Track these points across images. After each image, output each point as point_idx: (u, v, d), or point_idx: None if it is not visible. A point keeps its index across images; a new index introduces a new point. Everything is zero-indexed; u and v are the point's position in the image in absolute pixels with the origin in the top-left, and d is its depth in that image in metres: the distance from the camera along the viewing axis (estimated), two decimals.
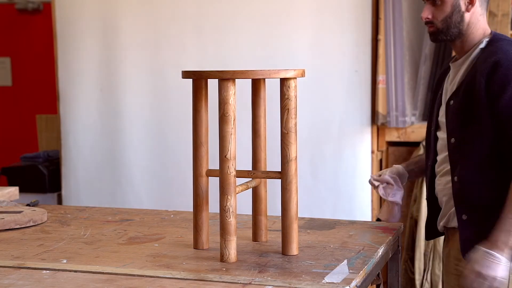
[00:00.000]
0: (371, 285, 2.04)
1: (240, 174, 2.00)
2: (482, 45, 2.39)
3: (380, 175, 2.50)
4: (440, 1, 2.41)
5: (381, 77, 3.84)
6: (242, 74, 1.88)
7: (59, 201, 4.45)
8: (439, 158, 2.42)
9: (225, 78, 1.88)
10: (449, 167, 2.34)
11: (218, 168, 1.94)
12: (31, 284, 1.76)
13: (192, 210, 2.10)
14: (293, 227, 1.96)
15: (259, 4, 3.97)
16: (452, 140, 2.34)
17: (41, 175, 4.50)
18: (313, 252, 2.00)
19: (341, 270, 1.81)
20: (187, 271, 1.83)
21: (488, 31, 2.44)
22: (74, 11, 4.22)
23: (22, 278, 1.81)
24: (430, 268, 3.86)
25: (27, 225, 2.39)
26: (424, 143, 3.39)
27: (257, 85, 2.08)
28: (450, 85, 2.45)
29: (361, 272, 1.81)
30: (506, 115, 2.21)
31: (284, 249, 1.98)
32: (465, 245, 2.23)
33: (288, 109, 1.93)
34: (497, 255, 2.08)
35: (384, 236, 2.18)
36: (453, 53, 2.64)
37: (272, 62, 3.89)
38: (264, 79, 2.07)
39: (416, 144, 3.95)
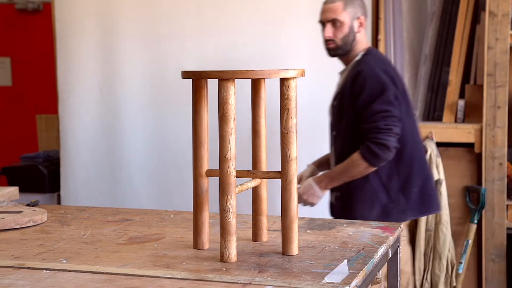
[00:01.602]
0: (371, 285, 2.04)
1: (240, 174, 2.00)
2: (358, 58, 3.05)
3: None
4: (339, 22, 3.02)
5: None
6: (242, 74, 1.88)
7: (59, 201, 4.45)
8: (331, 149, 3.16)
9: (225, 78, 1.88)
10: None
11: (218, 168, 1.94)
12: (31, 284, 1.76)
13: (192, 210, 2.10)
14: (293, 227, 1.96)
15: (259, 4, 3.97)
16: (334, 133, 3.09)
17: (41, 175, 4.50)
18: (313, 252, 2.00)
19: (341, 270, 1.81)
20: (187, 271, 1.83)
21: (367, 46, 3.10)
22: (74, 11, 4.22)
23: (22, 278, 1.81)
24: (430, 268, 3.87)
25: (27, 225, 2.39)
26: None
27: (257, 85, 2.08)
28: (335, 90, 3.13)
29: (361, 272, 1.81)
30: (358, 114, 2.93)
31: (284, 249, 1.98)
32: (336, 216, 3.11)
33: (288, 109, 1.93)
34: (318, 190, 3.02)
35: (384, 236, 2.18)
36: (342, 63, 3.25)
37: (272, 62, 3.89)
38: (264, 79, 2.07)
39: None
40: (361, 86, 2.91)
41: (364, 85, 2.90)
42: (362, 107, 2.91)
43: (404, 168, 3.03)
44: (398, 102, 2.96)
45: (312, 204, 3.10)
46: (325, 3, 3.12)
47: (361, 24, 3.05)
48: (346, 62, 3.12)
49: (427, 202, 3.11)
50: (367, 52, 3.05)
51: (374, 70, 2.93)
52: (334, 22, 3.03)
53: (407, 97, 3.05)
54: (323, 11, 3.11)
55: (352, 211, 3.00)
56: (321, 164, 3.30)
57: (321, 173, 3.18)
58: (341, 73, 3.15)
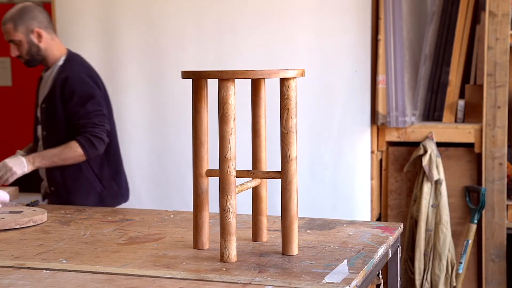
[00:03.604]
0: (371, 285, 2.04)
1: (240, 174, 2.00)
2: (60, 63, 3.33)
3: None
4: (17, 41, 3.27)
5: (381, 77, 3.84)
6: (242, 74, 1.88)
7: None
8: (39, 145, 3.40)
9: (225, 78, 1.88)
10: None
11: (218, 168, 1.94)
12: (31, 284, 1.76)
13: (192, 210, 2.10)
14: (293, 227, 1.96)
15: (259, 4, 3.96)
16: (44, 133, 3.32)
17: None
18: (313, 252, 2.00)
19: (341, 270, 1.82)
20: (187, 271, 1.83)
21: (64, 49, 3.38)
22: (74, 11, 4.22)
23: (22, 278, 1.81)
24: (430, 268, 3.86)
25: (27, 225, 2.39)
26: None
27: (257, 85, 2.08)
28: (42, 91, 3.38)
29: (361, 272, 1.81)
30: (72, 114, 3.23)
31: (284, 249, 1.98)
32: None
33: (288, 109, 1.93)
34: (26, 164, 3.19)
35: (384, 236, 2.18)
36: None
37: (272, 62, 3.89)
38: (264, 79, 2.07)
39: (416, 144, 3.95)
40: (71, 91, 3.23)
41: (74, 90, 3.23)
42: (76, 108, 3.23)
43: (113, 159, 3.44)
44: (105, 102, 3.37)
45: (10, 179, 3.27)
46: (2, 25, 3.34)
47: (39, 35, 3.29)
48: (47, 65, 3.39)
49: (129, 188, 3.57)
50: (69, 58, 3.36)
51: (80, 76, 3.28)
52: (14, 42, 3.29)
53: (107, 96, 3.46)
54: (3, 33, 3.34)
55: (70, 201, 3.29)
56: (27, 150, 3.52)
57: None
58: (44, 73, 3.41)
